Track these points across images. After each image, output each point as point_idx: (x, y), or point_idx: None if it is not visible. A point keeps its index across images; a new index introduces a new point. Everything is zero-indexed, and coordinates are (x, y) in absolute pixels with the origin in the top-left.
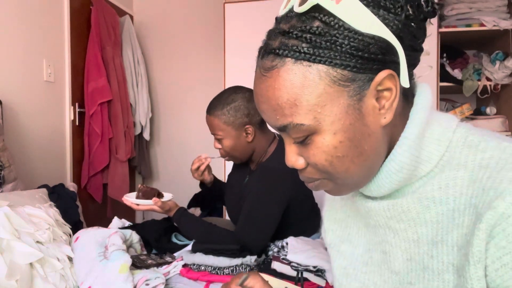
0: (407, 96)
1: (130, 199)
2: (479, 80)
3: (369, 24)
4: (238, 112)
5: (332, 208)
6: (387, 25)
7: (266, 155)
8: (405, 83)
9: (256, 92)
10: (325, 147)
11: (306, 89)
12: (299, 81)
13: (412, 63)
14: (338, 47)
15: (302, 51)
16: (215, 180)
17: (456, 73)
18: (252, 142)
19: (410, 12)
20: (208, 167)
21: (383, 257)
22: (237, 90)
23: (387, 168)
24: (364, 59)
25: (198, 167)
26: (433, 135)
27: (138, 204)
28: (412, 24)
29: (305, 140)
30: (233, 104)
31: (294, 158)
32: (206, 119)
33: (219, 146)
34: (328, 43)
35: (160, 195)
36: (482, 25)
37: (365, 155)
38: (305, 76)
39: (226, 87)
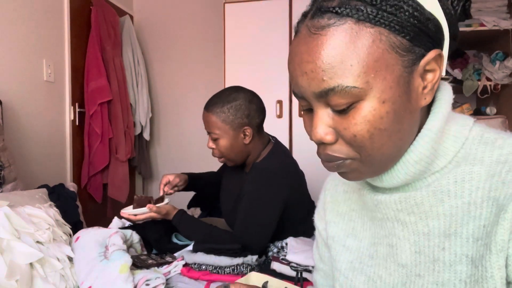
0: None
1: (127, 211)
2: (479, 80)
3: (430, 1)
4: (239, 111)
5: (335, 201)
6: (442, 7)
7: (260, 157)
8: (444, 71)
9: (301, 51)
10: (372, 116)
11: (365, 50)
12: (360, 42)
13: (448, 54)
14: (402, 14)
15: (366, 11)
16: (191, 180)
17: (456, 73)
18: (249, 144)
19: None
20: (181, 177)
21: (389, 250)
22: (238, 89)
23: (405, 159)
24: (423, 32)
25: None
26: (450, 131)
27: (135, 215)
28: (459, 15)
29: (347, 108)
30: (234, 103)
31: (324, 130)
32: (203, 115)
33: (213, 146)
34: (392, 8)
35: (158, 201)
36: (482, 25)
37: (402, 133)
38: (366, 38)
39: (226, 87)
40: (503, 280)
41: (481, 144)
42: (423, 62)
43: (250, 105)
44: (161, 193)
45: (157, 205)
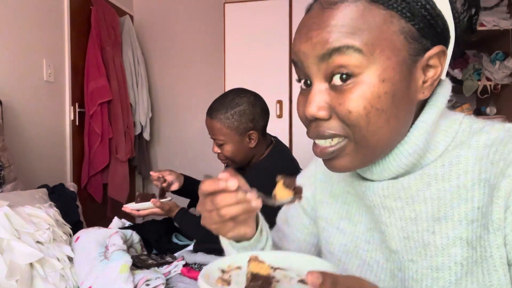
0: None
1: (129, 206)
2: (479, 80)
3: (442, 1)
4: (243, 117)
5: (329, 180)
6: (452, 11)
7: (262, 156)
8: (445, 71)
9: (310, 23)
10: (369, 93)
11: (376, 24)
12: (371, 17)
13: (452, 57)
14: (414, 4)
15: None
16: (186, 182)
17: (456, 73)
18: (254, 147)
19: (473, 13)
20: (176, 175)
21: (381, 237)
22: (241, 93)
23: (398, 150)
24: (431, 26)
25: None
26: (440, 126)
27: (138, 210)
28: (465, 27)
29: (345, 81)
30: (237, 108)
31: (318, 103)
32: (206, 122)
33: (219, 150)
34: None
35: (161, 197)
36: (482, 25)
37: (399, 121)
38: (377, 16)
39: (226, 87)
40: (502, 259)
41: (470, 134)
42: (427, 54)
43: (254, 108)
44: (159, 183)
45: (161, 200)
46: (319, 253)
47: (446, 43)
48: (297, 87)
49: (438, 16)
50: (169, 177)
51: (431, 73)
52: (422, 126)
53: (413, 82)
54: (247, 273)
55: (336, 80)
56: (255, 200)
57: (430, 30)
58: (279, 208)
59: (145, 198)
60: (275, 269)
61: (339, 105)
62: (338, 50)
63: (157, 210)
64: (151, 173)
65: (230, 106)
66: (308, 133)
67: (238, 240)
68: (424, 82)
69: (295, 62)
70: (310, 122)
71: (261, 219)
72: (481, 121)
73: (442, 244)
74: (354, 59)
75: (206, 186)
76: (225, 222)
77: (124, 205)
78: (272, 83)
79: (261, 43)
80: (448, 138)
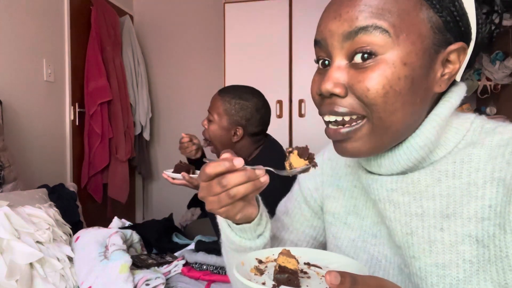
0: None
1: (167, 172)
2: (479, 80)
3: (469, 3)
4: (242, 111)
5: (336, 174)
6: (476, 16)
7: (251, 156)
8: (462, 69)
9: (342, 0)
10: (390, 73)
11: (405, 11)
12: (402, 2)
13: (468, 64)
14: None
15: None
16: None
17: None
18: (236, 143)
19: (494, 24)
20: (198, 147)
21: (388, 231)
22: (255, 93)
23: (409, 143)
24: (456, 22)
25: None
26: (452, 123)
27: (173, 178)
28: (487, 33)
29: (367, 58)
30: (243, 102)
31: (336, 80)
32: (213, 96)
33: (206, 126)
34: None
35: (194, 172)
36: None
37: (414, 107)
38: (408, 1)
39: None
40: None
41: (482, 133)
42: (449, 48)
43: (255, 113)
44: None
45: (191, 175)
46: (319, 247)
47: (467, 42)
48: (297, 87)
49: (463, 15)
50: (196, 140)
51: (449, 68)
52: (434, 119)
53: (432, 73)
54: (275, 265)
55: (357, 58)
56: (263, 175)
57: (455, 25)
58: (276, 199)
59: (180, 169)
60: (310, 265)
61: (358, 82)
62: (365, 29)
63: (186, 183)
64: (183, 134)
65: (239, 96)
66: (320, 110)
67: (241, 222)
68: (442, 75)
69: (318, 40)
70: (324, 99)
71: (261, 203)
72: (492, 122)
73: (451, 241)
74: (380, 39)
75: (211, 169)
76: (235, 203)
77: (164, 171)
78: (272, 83)
79: (261, 43)
80: (458, 136)
